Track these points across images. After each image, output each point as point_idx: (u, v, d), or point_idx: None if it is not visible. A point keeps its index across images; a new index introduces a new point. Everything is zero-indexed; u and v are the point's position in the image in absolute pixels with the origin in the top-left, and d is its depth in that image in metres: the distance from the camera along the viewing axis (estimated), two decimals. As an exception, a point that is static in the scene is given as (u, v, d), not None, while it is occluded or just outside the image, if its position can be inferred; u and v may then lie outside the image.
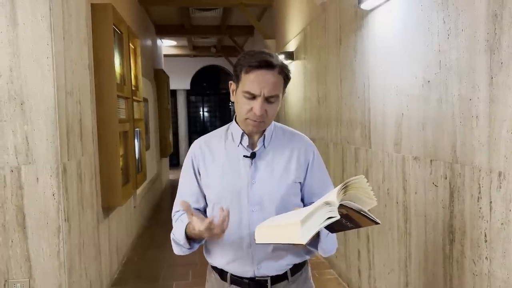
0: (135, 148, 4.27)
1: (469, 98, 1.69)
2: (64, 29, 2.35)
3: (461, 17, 1.73)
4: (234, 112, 1.40)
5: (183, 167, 1.45)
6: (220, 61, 11.59)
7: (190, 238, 1.31)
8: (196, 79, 11.97)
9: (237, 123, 1.38)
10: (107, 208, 3.41)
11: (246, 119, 1.29)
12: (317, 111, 3.94)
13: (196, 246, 1.36)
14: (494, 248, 1.58)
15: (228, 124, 1.44)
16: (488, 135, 1.58)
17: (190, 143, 11.94)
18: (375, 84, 2.63)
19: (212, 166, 1.37)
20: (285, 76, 1.30)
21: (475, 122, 1.66)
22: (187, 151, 1.46)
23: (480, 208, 1.65)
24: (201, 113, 12.49)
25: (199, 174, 1.39)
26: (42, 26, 2.16)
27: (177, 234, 1.34)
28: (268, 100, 1.26)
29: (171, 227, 1.43)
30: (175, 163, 11.48)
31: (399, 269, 2.39)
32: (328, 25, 3.52)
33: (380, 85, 2.55)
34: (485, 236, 1.62)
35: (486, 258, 1.62)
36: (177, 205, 1.45)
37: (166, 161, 8.76)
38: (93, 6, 3.09)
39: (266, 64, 1.25)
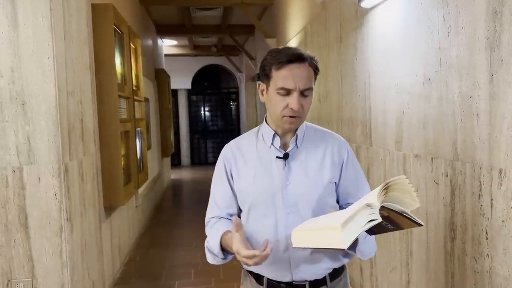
0: (137, 148, 4.28)
1: (470, 95, 1.69)
2: (65, 29, 2.35)
3: (461, 15, 1.73)
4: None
5: (215, 172, 1.41)
6: (221, 60, 11.60)
7: (224, 249, 1.28)
8: (197, 79, 11.98)
9: (267, 123, 1.35)
10: (109, 208, 3.42)
11: (283, 116, 1.25)
12: (318, 109, 3.94)
13: (230, 257, 1.31)
14: (495, 245, 1.58)
15: (258, 126, 1.41)
16: (489, 133, 1.58)
17: (191, 142, 11.95)
18: (376, 82, 2.63)
19: (245, 169, 1.34)
20: (315, 67, 1.28)
21: (476, 120, 1.66)
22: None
23: (481, 205, 1.65)
24: (202, 112, 12.48)
25: (232, 178, 1.36)
26: (43, 26, 2.16)
27: (212, 243, 1.30)
28: (303, 93, 1.24)
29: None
30: (177, 162, 11.49)
31: (400, 267, 2.40)
32: (329, 24, 3.52)
33: (381, 84, 2.55)
34: (486, 233, 1.63)
35: (487, 255, 1.63)
36: (211, 211, 1.41)
37: (167, 160, 8.77)
38: (94, 6, 3.10)
39: (297, 57, 1.23)
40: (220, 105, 12.52)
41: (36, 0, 2.14)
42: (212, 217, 1.40)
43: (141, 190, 4.98)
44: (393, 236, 2.47)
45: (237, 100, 12.31)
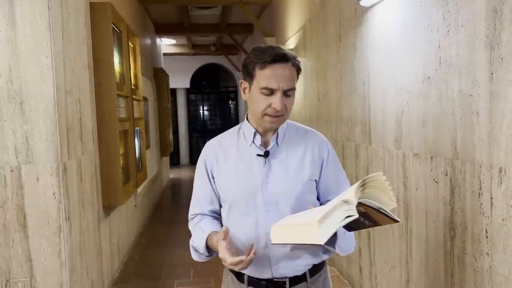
0: (135, 147, 4.27)
1: (470, 94, 1.69)
2: (63, 28, 2.34)
3: (461, 13, 1.72)
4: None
5: (196, 169, 1.44)
6: (220, 60, 11.58)
7: (210, 249, 1.32)
8: (196, 78, 11.96)
9: (248, 122, 1.36)
10: (108, 207, 3.41)
11: (265, 115, 1.26)
12: (317, 108, 3.94)
13: (215, 254, 1.35)
14: (495, 244, 1.58)
15: (240, 124, 1.42)
16: (489, 131, 1.58)
17: (190, 141, 11.93)
18: (375, 81, 2.62)
19: (226, 166, 1.35)
20: (298, 68, 1.29)
21: (476, 118, 1.65)
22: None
23: (481, 204, 1.64)
24: (201, 111, 12.47)
25: (213, 177, 1.38)
26: (41, 25, 2.15)
27: (197, 243, 1.33)
28: (286, 93, 1.25)
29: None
30: (176, 162, 11.48)
31: (400, 265, 2.40)
32: (328, 22, 3.52)
33: (380, 82, 2.55)
34: (486, 232, 1.62)
35: (487, 254, 1.62)
36: (194, 208, 1.45)
37: (166, 160, 8.76)
38: (92, 5, 3.08)
39: (281, 57, 1.23)
40: (219, 104, 12.50)
41: (34, -1, 2.14)
42: (196, 214, 1.43)
43: (140, 189, 4.97)
44: (393, 235, 2.47)
45: (236, 99, 12.29)
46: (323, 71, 3.71)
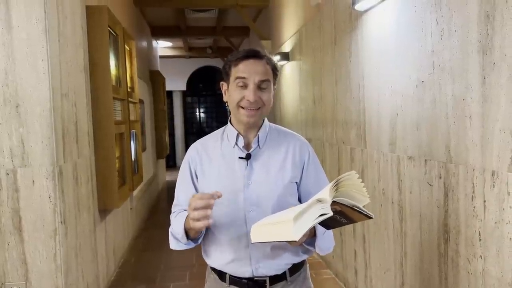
0: (131, 150, 4.27)
1: (463, 98, 1.70)
2: (59, 31, 2.35)
3: (454, 18, 1.75)
4: (230, 113, 1.41)
5: (180, 171, 1.45)
6: (216, 62, 11.59)
7: (188, 234, 1.31)
8: (192, 80, 11.96)
9: (232, 124, 1.39)
10: (104, 210, 3.40)
11: (240, 108, 1.29)
12: (313, 111, 3.95)
13: (192, 244, 1.36)
14: (488, 246, 1.60)
15: (224, 127, 1.45)
16: (482, 135, 1.60)
17: (186, 144, 11.92)
18: (370, 84, 2.64)
19: (209, 168, 1.38)
20: (273, 67, 1.32)
21: (469, 122, 1.67)
22: (184, 152, 1.48)
23: (474, 207, 1.66)
24: (197, 114, 12.48)
25: (196, 178, 1.40)
26: (37, 28, 2.16)
27: (176, 228, 1.34)
28: (260, 86, 1.28)
29: (167, 229, 1.43)
30: (172, 164, 11.47)
31: (395, 268, 2.41)
32: (323, 26, 3.54)
33: (375, 86, 2.57)
34: (479, 234, 1.64)
35: (481, 256, 1.64)
36: (175, 208, 1.46)
37: (162, 162, 8.74)
38: (88, 8, 3.09)
39: (253, 53, 1.29)
40: (215, 107, 12.52)
41: (31, 3, 2.14)
42: (175, 211, 1.44)
43: (136, 192, 4.96)
44: (387, 238, 2.48)
45: (232, 101, 12.29)
46: (319, 75, 3.73)
